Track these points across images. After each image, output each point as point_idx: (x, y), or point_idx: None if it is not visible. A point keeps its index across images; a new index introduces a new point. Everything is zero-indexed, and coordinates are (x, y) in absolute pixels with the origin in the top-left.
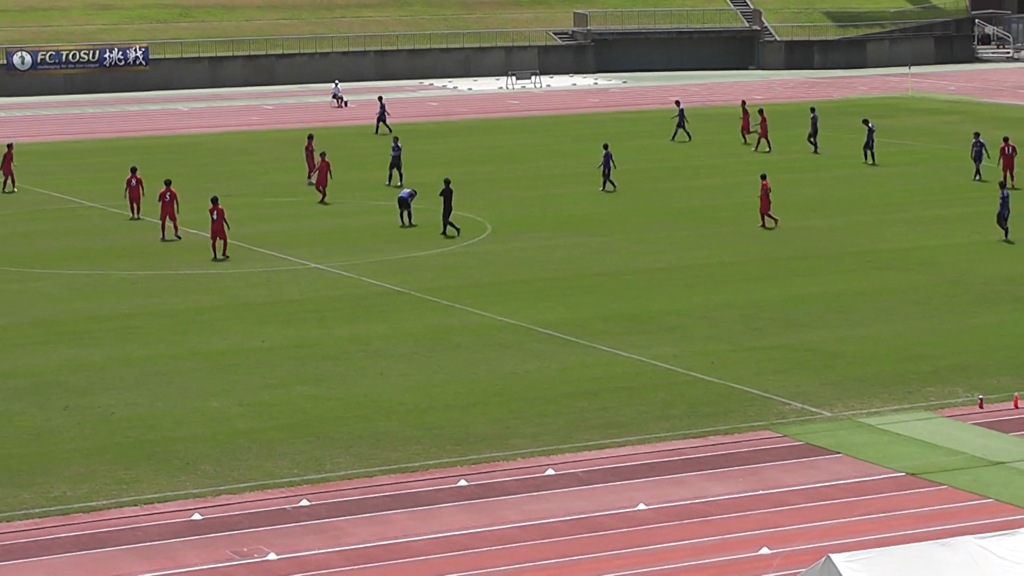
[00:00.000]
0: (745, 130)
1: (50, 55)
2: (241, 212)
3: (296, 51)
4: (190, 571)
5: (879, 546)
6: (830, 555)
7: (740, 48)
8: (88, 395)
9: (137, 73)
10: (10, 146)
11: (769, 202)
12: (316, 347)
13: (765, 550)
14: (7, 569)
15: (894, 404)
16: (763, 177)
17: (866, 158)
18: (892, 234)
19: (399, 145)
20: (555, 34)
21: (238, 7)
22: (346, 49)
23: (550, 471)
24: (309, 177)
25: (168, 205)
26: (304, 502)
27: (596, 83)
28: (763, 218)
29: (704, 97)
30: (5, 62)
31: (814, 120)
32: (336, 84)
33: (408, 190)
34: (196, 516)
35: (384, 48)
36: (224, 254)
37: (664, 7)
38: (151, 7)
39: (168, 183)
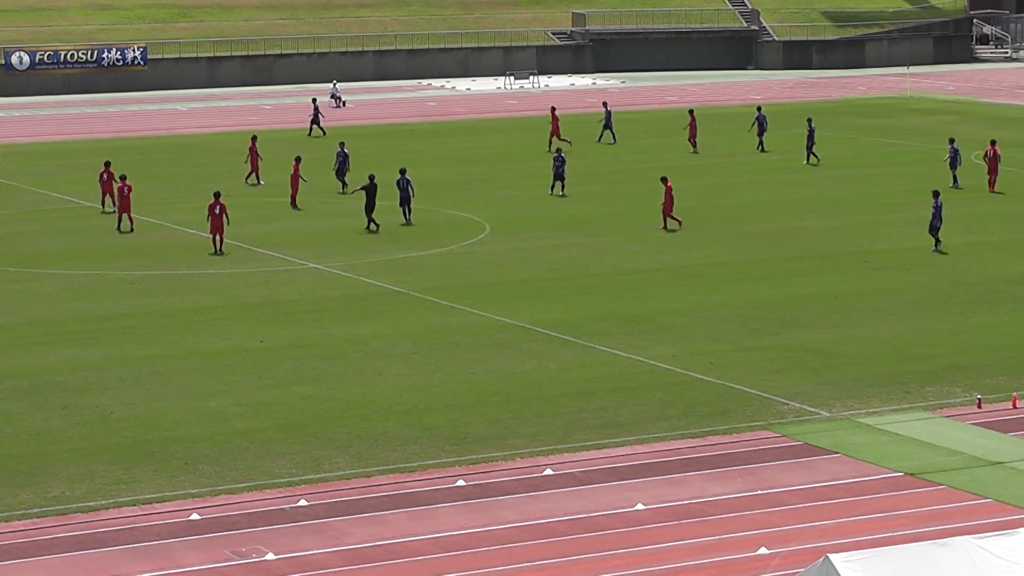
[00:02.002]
0: (692, 138)
1: (48, 55)
2: (239, 212)
3: (294, 51)
4: (188, 571)
5: (877, 546)
6: (828, 555)
7: (738, 48)
8: (86, 395)
9: (135, 73)
10: None
11: (672, 203)
12: (314, 347)
13: (763, 550)
14: (6, 569)
15: (892, 404)
16: (664, 180)
17: (808, 158)
18: (890, 234)
19: (346, 151)
20: (553, 34)
21: (236, 7)
22: (344, 49)
23: (548, 471)
24: (248, 178)
25: (125, 199)
26: (302, 502)
27: (594, 83)
28: (665, 220)
29: (702, 97)
30: (3, 62)
31: (760, 120)
32: (335, 84)
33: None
34: (194, 516)
35: (382, 48)
36: (221, 250)
37: (662, 7)
38: (149, 7)
39: (123, 177)
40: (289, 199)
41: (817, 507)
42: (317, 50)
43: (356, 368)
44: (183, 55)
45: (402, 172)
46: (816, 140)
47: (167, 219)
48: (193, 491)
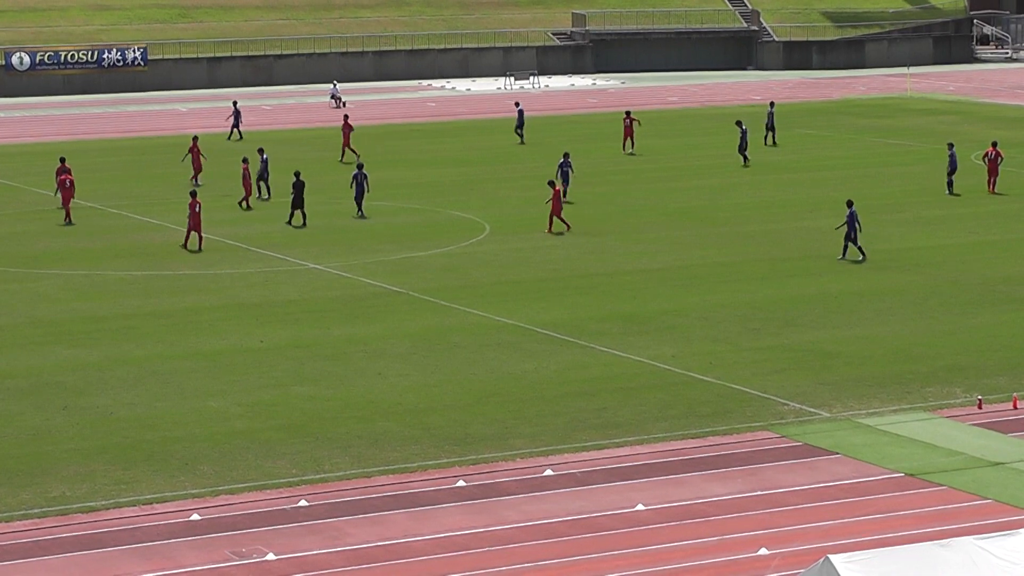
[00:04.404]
0: (627, 138)
1: (49, 56)
2: (239, 212)
3: (294, 51)
4: (189, 571)
5: (878, 547)
6: (829, 556)
7: (738, 48)
8: (86, 395)
9: (136, 74)
10: None
11: (561, 206)
12: (314, 347)
13: (764, 551)
14: (6, 569)
15: (893, 404)
16: (552, 184)
17: (745, 161)
18: (890, 234)
19: (265, 156)
20: (553, 34)
21: (236, 8)
22: (344, 49)
23: (549, 471)
24: (193, 179)
25: (67, 191)
26: (303, 502)
27: (594, 83)
28: (551, 221)
29: (703, 98)
30: (4, 63)
31: (770, 115)
32: (335, 84)
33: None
34: (195, 516)
35: (382, 48)
36: (200, 247)
37: (662, 7)
38: (150, 8)
39: (68, 170)
40: (244, 200)
41: (818, 508)
42: (317, 50)
43: (356, 368)
44: (183, 55)
45: (359, 167)
46: (748, 142)
47: (167, 219)
48: (194, 491)
